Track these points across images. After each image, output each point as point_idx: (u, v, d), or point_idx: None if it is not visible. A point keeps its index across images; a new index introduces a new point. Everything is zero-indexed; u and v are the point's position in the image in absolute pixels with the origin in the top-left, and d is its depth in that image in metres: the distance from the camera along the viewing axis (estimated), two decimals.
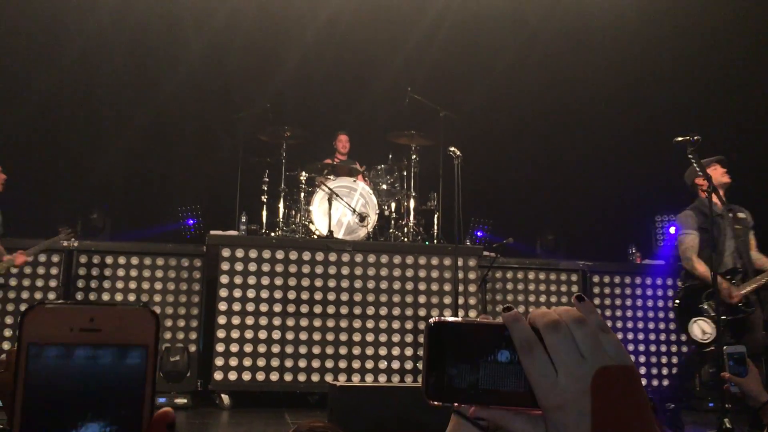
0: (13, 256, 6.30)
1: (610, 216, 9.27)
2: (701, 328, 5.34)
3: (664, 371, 7.70)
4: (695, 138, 4.97)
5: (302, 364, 6.59)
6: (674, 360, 7.74)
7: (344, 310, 6.76)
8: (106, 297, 6.88)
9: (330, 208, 7.09)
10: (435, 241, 7.54)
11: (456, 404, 0.63)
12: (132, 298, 6.94)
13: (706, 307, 5.49)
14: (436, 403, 0.62)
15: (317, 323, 6.69)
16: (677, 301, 5.75)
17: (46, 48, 8.68)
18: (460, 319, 0.64)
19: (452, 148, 6.01)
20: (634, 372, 0.61)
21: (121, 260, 6.97)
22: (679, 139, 5.08)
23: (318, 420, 2.05)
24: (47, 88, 8.68)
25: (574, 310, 0.62)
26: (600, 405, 0.58)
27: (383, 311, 6.82)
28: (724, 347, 2.59)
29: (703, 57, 8.95)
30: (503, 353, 0.61)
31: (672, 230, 8.21)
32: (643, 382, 7.83)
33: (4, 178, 6.38)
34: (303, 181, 7.40)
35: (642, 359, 7.68)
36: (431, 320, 0.63)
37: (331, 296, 6.75)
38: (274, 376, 6.54)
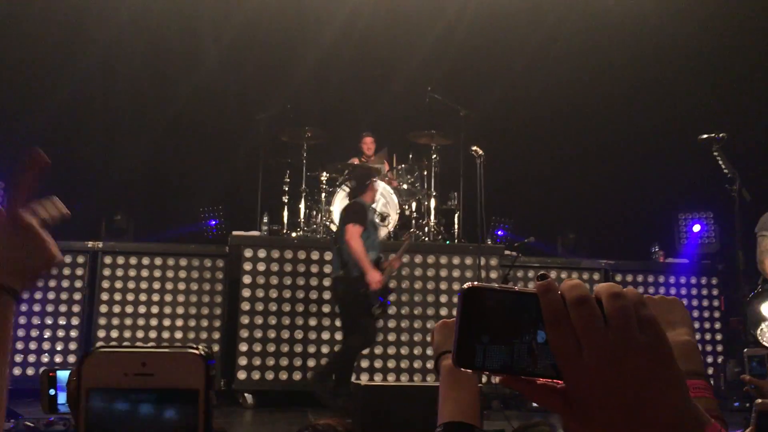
0: (389, 262, 6.11)
1: (633, 214, 9.19)
2: None
3: None
4: (720, 135, 4.93)
5: (325, 363, 6.62)
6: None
7: None
8: (130, 297, 6.95)
9: None
10: (456, 240, 7.53)
11: (486, 372, 0.60)
12: (156, 298, 7.00)
13: None
14: (465, 369, 0.60)
15: (339, 323, 6.71)
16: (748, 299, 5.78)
17: (67, 52, 8.78)
18: (496, 285, 0.61)
19: (474, 147, 6.01)
20: (665, 349, 0.58)
21: (145, 261, 7.04)
22: (704, 136, 5.05)
23: (321, 417, 2.06)
24: (68, 91, 8.79)
25: (612, 284, 0.60)
26: (626, 383, 0.57)
27: (405, 311, 6.83)
28: (745, 349, 2.53)
29: (728, 52, 8.86)
30: (541, 333, 0.59)
31: (696, 228, 8.12)
32: None
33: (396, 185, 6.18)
34: (324, 182, 7.42)
35: None
36: (466, 285, 0.61)
37: None
38: (297, 376, 6.58)
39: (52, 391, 1.51)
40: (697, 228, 8.16)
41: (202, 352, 0.56)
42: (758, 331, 5.41)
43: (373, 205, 7.17)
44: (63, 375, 1.51)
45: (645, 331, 0.57)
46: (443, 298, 6.89)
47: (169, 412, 0.54)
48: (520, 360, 0.59)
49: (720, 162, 5.11)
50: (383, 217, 7.20)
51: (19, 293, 1.05)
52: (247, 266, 6.69)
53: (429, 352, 6.77)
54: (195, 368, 0.55)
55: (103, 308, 6.92)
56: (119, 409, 0.54)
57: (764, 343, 5.36)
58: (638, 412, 0.57)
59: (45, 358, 6.78)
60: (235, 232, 7.19)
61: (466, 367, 0.60)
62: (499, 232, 8.40)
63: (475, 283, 0.61)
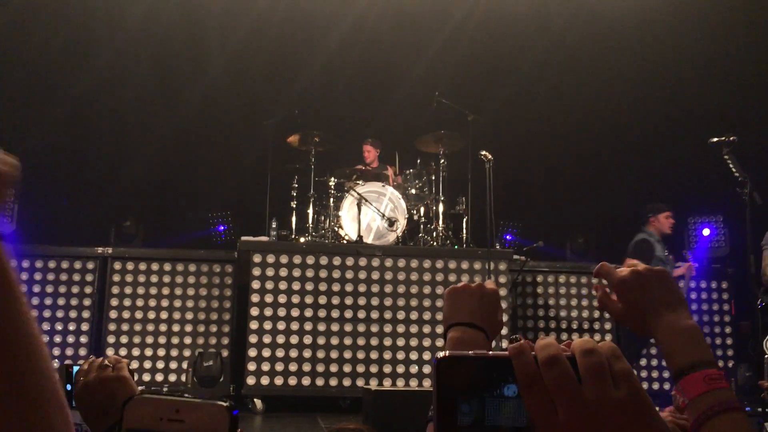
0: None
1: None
2: None
3: None
4: (731, 138, 4.91)
5: (334, 368, 6.62)
6: None
7: (375, 315, 6.77)
8: (140, 303, 6.97)
9: (359, 213, 7.12)
10: (464, 245, 7.52)
11: None
12: (165, 304, 7.02)
13: None
14: None
15: (348, 328, 6.71)
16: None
17: (76, 59, 8.83)
18: (470, 352, 0.61)
19: (483, 152, 6.00)
20: (643, 402, 0.57)
21: (154, 266, 7.06)
22: (715, 139, 5.02)
23: (350, 422, 2.06)
24: (77, 98, 8.84)
25: (587, 340, 0.59)
26: None
27: (414, 315, 6.82)
28: (766, 356, 2.53)
29: (737, 54, 8.82)
30: (510, 387, 0.59)
31: (706, 232, 8.09)
32: None
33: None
34: (332, 187, 7.43)
35: None
36: (440, 354, 0.61)
37: (362, 301, 6.77)
38: (306, 381, 6.58)
39: (68, 387, 1.52)
40: (707, 232, 8.13)
41: (228, 405, 0.64)
42: (765, 341, 5.39)
43: (383, 208, 7.18)
44: None
45: (620, 386, 0.57)
46: None
47: None
48: (494, 425, 0.58)
49: (731, 165, 5.08)
50: (391, 222, 7.20)
51: None
52: (256, 271, 6.69)
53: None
54: (220, 418, 0.63)
55: (113, 314, 6.94)
56: None
57: None
58: None
59: (55, 364, 6.78)
60: (243, 238, 7.20)
61: None
62: (508, 237, 8.39)
63: (448, 352, 0.61)
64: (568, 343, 0.61)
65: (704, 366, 0.99)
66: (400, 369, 6.70)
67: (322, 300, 6.73)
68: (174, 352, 7.00)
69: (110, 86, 9.17)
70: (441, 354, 0.61)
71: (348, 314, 6.73)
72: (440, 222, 7.52)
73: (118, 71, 9.16)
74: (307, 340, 6.64)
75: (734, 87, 8.82)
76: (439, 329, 6.79)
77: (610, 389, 0.56)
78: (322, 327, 6.68)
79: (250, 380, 6.50)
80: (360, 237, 7.06)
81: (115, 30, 8.87)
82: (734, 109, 8.44)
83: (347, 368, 6.63)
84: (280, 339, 6.60)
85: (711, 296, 7.81)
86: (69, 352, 6.85)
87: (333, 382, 6.60)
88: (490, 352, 0.61)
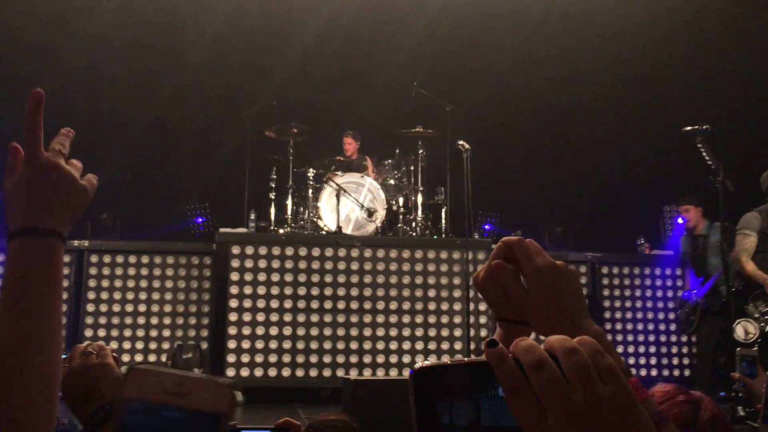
0: None
1: (618, 207, 9.26)
2: (744, 329, 5.36)
3: (675, 361, 7.72)
4: (704, 127, 4.98)
5: (314, 359, 6.63)
6: (684, 350, 7.74)
7: (354, 306, 6.78)
8: (117, 296, 6.92)
9: (338, 204, 7.11)
10: (443, 235, 7.55)
11: None
12: (143, 297, 6.97)
13: (750, 308, 5.55)
14: None
15: (328, 319, 6.72)
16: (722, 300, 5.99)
17: (49, 51, 8.70)
18: (446, 360, 0.59)
19: (461, 142, 6.01)
20: (630, 397, 0.57)
21: (132, 259, 7.00)
22: (688, 128, 5.09)
23: (332, 413, 2.07)
24: (51, 89, 8.68)
25: (565, 338, 0.57)
26: None
27: (393, 306, 6.85)
28: (737, 348, 2.56)
29: (710, 46, 8.92)
30: (493, 396, 0.57)
31: (681, 220, 8.20)
32: (653, 372, 7.75)
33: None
34: (311, 178, 7.41)
35: (652, 350, 7.69)
36: (414, 367, 0.59)
37: (341, 292, 6.78)
38: (286, 372, 6.58)
39: None
40: (681, 220, 8.21)
41: (231, 383, 0.65)
42: (735, 325, 5.49)
43: (362, 198, 7.19)
44: None
45: (607, 383, 0.56)
46: (431, 293, 6.91)
47: (192, 429, 0.62)
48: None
49: (704, 154, 5.16)
50: (370, 213, 7.21)
51: (64, 235, 1.06)
52: (235, 263, 6.67)
53: (418, 346, 6.80)
54: (222, 396, 0.64)
55: (90, 307, 6.88)
56: (151, 418, 0.61)
57: (737, 339, 5.43)
58: None
59: None
60: (222, 229, 7.16)
61: None
62: (486, 226, 8.43)
63: (424, 363, 0.59)
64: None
65: (628, 375, 0.93)
66: (380, 359, 6.73)
67: (302, 291, 6.73)
68: (153, 345, 6.96)
69: (85, 77, 9.05)
70: (417, 365, 0.59)
71: (327, 305, 6.73)
72: (419, 212, 7.54)
73: (93, 61, 9.04)
74: (287, 331, 6.64)
75: (707, 77, 8.93)
76: (419, 319, 6.83)
77: (597, 388, 0.56)
78: (301, 318, 6.68)
79: (230, 372, 6.48)
80: (339, 228, 7.06)
81: (89, 19, 8.75)
82: (707, 99, 8.55)
83: (327, 359, 6.64)
84: (260, 330, 6.59)
85: (686, 283, 7.91)
86: None
87: (313, 372, 6.61)
88: (466, 359, 0.59)
